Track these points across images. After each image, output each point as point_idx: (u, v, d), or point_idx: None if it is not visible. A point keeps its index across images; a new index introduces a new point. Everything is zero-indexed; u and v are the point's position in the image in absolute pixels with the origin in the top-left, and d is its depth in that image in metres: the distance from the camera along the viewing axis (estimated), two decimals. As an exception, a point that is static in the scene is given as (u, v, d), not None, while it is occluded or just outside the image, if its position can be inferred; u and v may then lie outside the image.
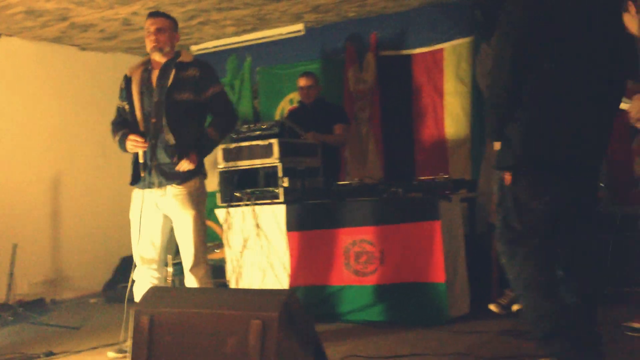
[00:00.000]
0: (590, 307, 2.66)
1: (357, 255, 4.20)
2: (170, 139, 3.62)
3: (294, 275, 4.42)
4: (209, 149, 3.80)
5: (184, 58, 3.78)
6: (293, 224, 4.45)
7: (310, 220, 4.38)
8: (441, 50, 5.61)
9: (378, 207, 4.20)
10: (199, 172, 3.75)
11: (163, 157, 3.66)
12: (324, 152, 5.02)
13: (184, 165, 3.63)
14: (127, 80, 3.80)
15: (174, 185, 3.66)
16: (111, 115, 3.93)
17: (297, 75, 5.66)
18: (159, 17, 3.77)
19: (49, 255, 6.12)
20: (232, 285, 4.72)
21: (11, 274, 5.34)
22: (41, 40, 6.08)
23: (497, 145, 2.68)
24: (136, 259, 3.79)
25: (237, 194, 4.67)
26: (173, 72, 3.69)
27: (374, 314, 4.10)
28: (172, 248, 4.02)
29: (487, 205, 4.45)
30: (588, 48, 2.48)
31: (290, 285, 4.41)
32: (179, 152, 3.62)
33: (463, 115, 5.44)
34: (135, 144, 3.65)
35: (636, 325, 3.43)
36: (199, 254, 3.73)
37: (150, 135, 3.65)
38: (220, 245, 5.30)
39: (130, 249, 3.83)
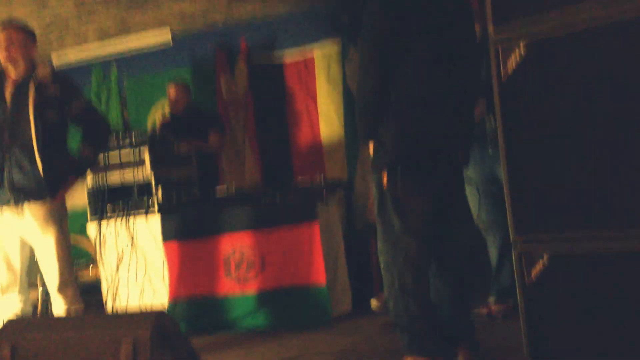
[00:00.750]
0: (461, 305, 2.74)
1: (238, 263, 4.14)
2: (28, 163, 3.39)
3: (173, 288, 4.29)
4: (84, 169, 3.66)
5: (42, 75, 3.50)
6: (169, 234, 4.33)
7: (187, 229, 4.28)
8: (311, 54, 5.65)
9: (256, 213, 4.17)
10: (63, 186, 3.52)
11: (19, 177, 3.41)
12: (200, 161, 4.93)
13: (61, 195, 3.46)
14: None
15: (32, 202, 3.42)
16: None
17: (167, 82, 5.53)
18: (11, 29, 3.48)
19: None
20: (109, 304, 4.52)
21: None
22: None
23: (371, 147, 2.71)
24: None
25: (109, 209, 4.49)
26: (32, 91, 3.43)
27: (258, 320, 4.06)
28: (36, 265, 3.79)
29: (364, 205, 4.54)
30: (443, 50, 2.57)
31: (170, 298, 4.28)
32: (51, 181, 3.41)
33: (336, 117, 5.51)
34: None
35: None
36: (65, 274, 3.50)
37: (1, 151, 3.41)
38: (92, 262, 5.07)
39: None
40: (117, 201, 4.46)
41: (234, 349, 3.74)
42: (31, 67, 3.51)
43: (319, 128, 5.62)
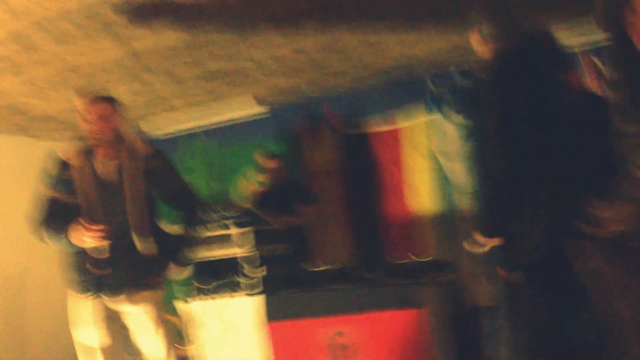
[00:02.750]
0: None
1: (335, 347, 3.95)
2: (142, 248, 3.13)
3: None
4: (184, 253, 3.34)
5: (139, 147, 3.27)
6: (272, 315, 4.17)
7: (284, 310, 4.12)
8: (399, 124, 5.57)
9: (358, 294, 3.98)
10: (164, 271, 3.27)
11: (118, 262, 3.10)
12: (292, 235, 4.84)
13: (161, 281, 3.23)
14: (64, 165, 3.19)
15: (132, 290, 3.15)
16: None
17: (254, 150, 5.53)
18: (97, 105, 3.17)
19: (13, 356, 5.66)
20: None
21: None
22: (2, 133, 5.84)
23: (493, 242, 2.51)
24: None
25: (201, 286, 4.39)
26: (133, 165, 3.20)
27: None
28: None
29: (470, 286, 4.29)
30: None
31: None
32: (152, 267, 3.17)
33: (425, 190, 5.37)
34: (92, 235, 2.96)
35: None
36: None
37: (111, 235, 3.05)
38: (180, 338, 5.00)
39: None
40: (212, 278, 4.36)
41: None
42: (121, 139, 3.26)
43: (408, 201, 5.48)
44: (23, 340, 5.78)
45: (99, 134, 3.15)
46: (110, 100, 3.24)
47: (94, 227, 2.98)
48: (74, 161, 3.19)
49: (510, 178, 2.38)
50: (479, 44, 2.81)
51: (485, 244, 2.50)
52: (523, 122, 2.40)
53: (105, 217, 3.10)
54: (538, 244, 2.44)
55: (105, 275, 3.11)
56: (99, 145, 3.19)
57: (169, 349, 3.28)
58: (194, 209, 3.42)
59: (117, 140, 3.22)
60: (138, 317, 3.21)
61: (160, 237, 3.25)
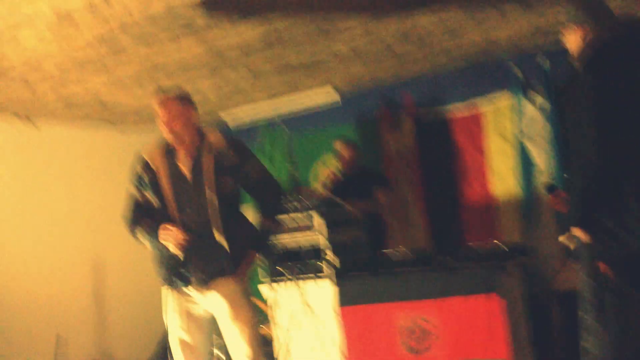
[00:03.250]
0: None
1: (412, 332, 4.00)
2: (220, 239, 3.23)
3: (350, 353, 4.22)
4: (266, 242, 3.43)
5: (215, 142, 3.32)
6: (346, 299, 4.25)
7: (362, 294, 4.19)
8: (480, 109, 5.48)
9: (431, 280, 4.00)
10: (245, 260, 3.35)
11: (203, 255, 3.23)
12: (368, 220, 4.89)
13: (244, 270, 3.29)
14: (148, 166, 3.33)
15: (217, 280, 3.26)
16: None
17: (331, 137, 5.60)
18: (170, 104, 3.26)
19: (94, 340, 6.01)
20: (281, 361, 4.55)
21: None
22: (75, 122, 6.12)
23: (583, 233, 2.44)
24: None
25: (281, 269, 4.54)
26: (208, 161, 3.26)
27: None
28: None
29: (549, 271, 4.23)
30: None
31: (347, 363, 4.23)
32: (235, 256, 3.24)
33: (510, 175, 5.27)
34: (175, 236, 3.18)
35: None
36: (257, 353, 3.29)
37: (192, 234, 3.21)
38: (265, 321, 5.16)
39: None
40: (287, 264, 4.49)
41: None
42: (197, 135, 3.34)
43: (489, 185, 5.40)
44: (101, 325, 6.09)
45: (175, 133, 3.25)
46: (182, 99, 3.31)
47: (178, 234, 3.17)
48: (157, 162, 3.32)
49: (611, 170, 2.30)
50: (570, 32, 2.70)
51: (584, 238, 2.42)
52: (623, 112, 2.32)
53: (184, 215, 3.25)
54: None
55: (191, 268, 3.24)
56: (177, 144, 3.30)
57: (255, 342, 3.30)
58: (276, 197, 3.47)
59: (194, 137, 3.31)
60: (224, 307, 3.29)
61: (244, 226, 3.35)
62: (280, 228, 3.55)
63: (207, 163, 3.27)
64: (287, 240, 4.51)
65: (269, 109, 6.43)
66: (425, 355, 3.94)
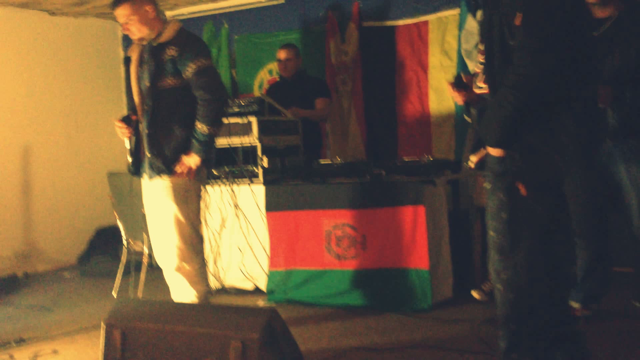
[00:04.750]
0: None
1: (339, 239, 4.10)
2: (147, 136, 3.37)
3: (274, 257, 4.31)
4: (203, 146, 3.34)
5: (165, 36, 3.35)
6: (273, 205, 4.33)
7: (291, 201, 4.27)
8: (426, 22, 5.42)
9: (361, 190, 4.09)
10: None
11: (144, 149, 3.42)
12: (305, 128, 4.88)
13: (180, 172, 3.35)
14: (127, 60, 3.51)
15: (161, 177, 3.38)
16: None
17: (277, 45, 5.47)
18: (119, 8, 3.35)
19: (20, 228, 5.93)
20: (211, 264, 4.61)
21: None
22: (7, 6, 5.77)
23: (498, 152, 2.36)
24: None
25: (215, 172, 4.53)
26: (148, 57, 3.36)
27: (355, 298, 4.03)
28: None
29: (472, 186, 4.35)
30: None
31: (271, 267, 4.31)
32: (169, 156, 3.35)
33: (447, 92, 5.28)
34: (119, 131, 3.47)
35: None
36: (185, 253, 3.40)
37: (143, 123, 3.41)
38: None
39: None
40: (222, 166, 4.48)
41: (326, 324, 3.75)
42: (157, 29, 3.39)
43: (428, 101, 5.42)
44: (28, 214, 6.00)
45: (130, 33, 3.38)
46: (129, 1, 3.33)
47: (122, 129, 3.45)
48: (133, 54, 3.48)
49: (547, 85, 2.21)
50: None
51: (498, 155, 2.35)
52: (562, 24, 2.24)
53: (141, 109, 3.44)
54: (566, 157, 2.39)
55: (138, 161, 3.50)
56: (137, 41, 3.43)
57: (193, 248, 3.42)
58: (213, 101, 3.36)
59: (152, 31, 3.38)
60: (156, 203, 3.43)
61: (186, 126, 3.35)
62: (216, 132, 3.42)
63: (150, 56, 3.34)
64: (223, 143, 4.48)
65: (212, 4, 6.21)
66: (349, 262, 4.06)
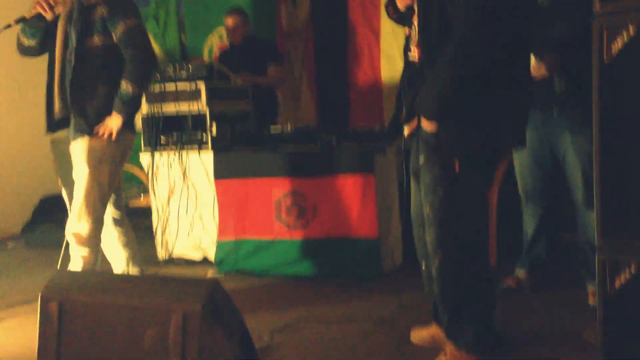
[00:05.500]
0: None
1: (289, 208, 4.05)
2: (70, 95, 3.25)
3: (223, 226, 4.25)
4: (127, 106, 3.27)
5: None
6: (222, 173, 4.25)
7: (240, 168, 4.19)
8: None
9: (311, 158, 4.04)
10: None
11: (66, 109, 3.29)
12: (257, 94, 4.80)
13: (101, 133, 3.25)
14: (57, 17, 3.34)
15: (82, 136, 3.29)
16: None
17: (227, 7, 5.33)
18: None
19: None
20: (159, 234, 4.53)
21: None
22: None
23: (431, 126, 2.30)
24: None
25: (162, 140, 4.43)
26: (75, 16, 3.25)
27: (306, 268, 4.00)
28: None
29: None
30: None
31: (219, 236, 4.25)
32: (90, 116, 3.26)
33: (399, 59, 5.25)
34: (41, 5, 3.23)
35: None
36: (83, 212, 3.26)
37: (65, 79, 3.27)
38: (145, 191, 5.07)
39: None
40: (171, 133, 4.38)
41: (276, 294, 3.74)
42: None
43: (380, 68, 5.39)
44: None
45: None
46: None
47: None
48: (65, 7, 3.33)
49: (489, 55, 2.16)
50: None
51: (432, 129, 2.30)
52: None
53: (64, 69, 3.28)
54: (512, 131, 2.36)
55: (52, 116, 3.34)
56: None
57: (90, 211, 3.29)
58: (140, 62, 3.30)
59: None
60: (78, 166, 3.31)
61: (110, 87, 3.27)
62: (141, 93, 3.34)
63: (79, 14, 3.25)
64: (171, 109, 4.37)
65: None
66: (299, 231, 4.03)
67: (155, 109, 4.41)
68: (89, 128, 3.27)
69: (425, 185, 2.39)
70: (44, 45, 3.41)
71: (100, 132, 3.28)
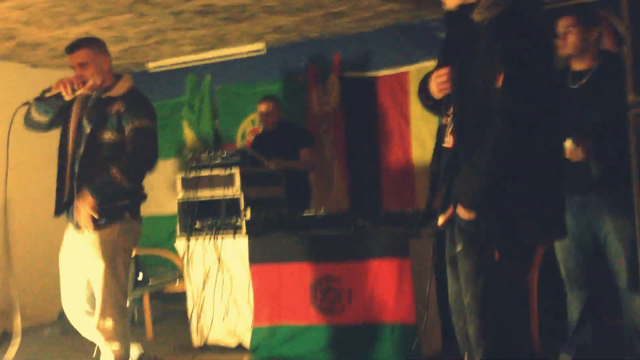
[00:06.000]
0: None
1: (324, 293, 4.03)
2: (81, 185, 3.31)
3: (257, 312, 4.22)
4: (111, 192, 3.29)
5: (116, 90, 3.39)
6: (257, 257, 4.26)
7: (274, 253, 4.20)
8: (406, 73, 5.47)
9: (345, 242, 4.03)
10: (117, 217, 3.36)
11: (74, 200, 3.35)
12: (290, 179, 4.85)
13: (82, 212, 3.26)
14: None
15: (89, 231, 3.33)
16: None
17: (259, 95, 5.49)
18: (79, 50, 3.36)
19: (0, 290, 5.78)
20: (194, 320, 4.51)
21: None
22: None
23: (467, 214, 2.26)
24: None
25: (197, 225, 4.47)
26: (98, 107, 3.35)
27: (342, 354, 3.93)
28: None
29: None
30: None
31: (255, 322, 4.22)
32: (98, 209, 3.27)
33: (431, 142, 5.29)
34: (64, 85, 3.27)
35: None
36: (107, 307, 3.32)
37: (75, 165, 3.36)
38: (180, 276, 5.09)
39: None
40: (206, 218, 4.42)
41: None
42: (107, 83, 3.41)
43: (411, 151, 5.43)
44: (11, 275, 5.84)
45: (85, 79, 3.32)
46: (88, 44, 3.36)
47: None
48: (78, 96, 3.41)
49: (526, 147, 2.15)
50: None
51: (469, 217, 2.25)
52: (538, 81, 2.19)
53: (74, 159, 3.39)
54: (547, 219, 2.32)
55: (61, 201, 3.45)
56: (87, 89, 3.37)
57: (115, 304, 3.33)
58: (138, 162, 3.37)
59: (101, 81, 3.37)
60: (92, 261, 3.35)
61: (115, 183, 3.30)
62: (125, 186, 3.35)
63: (94, 107, 3.34)
64: (206, 194, 4.44)
65: (195, 56, 6.22)
66: (335, 317, 3.98)
67: (190, 194, 4.47)
68: (94, 223, 3.29)
69: (465, 274, 2.36)
70: (54, 123, 3.49)
71: (82, 226, 3.31)
